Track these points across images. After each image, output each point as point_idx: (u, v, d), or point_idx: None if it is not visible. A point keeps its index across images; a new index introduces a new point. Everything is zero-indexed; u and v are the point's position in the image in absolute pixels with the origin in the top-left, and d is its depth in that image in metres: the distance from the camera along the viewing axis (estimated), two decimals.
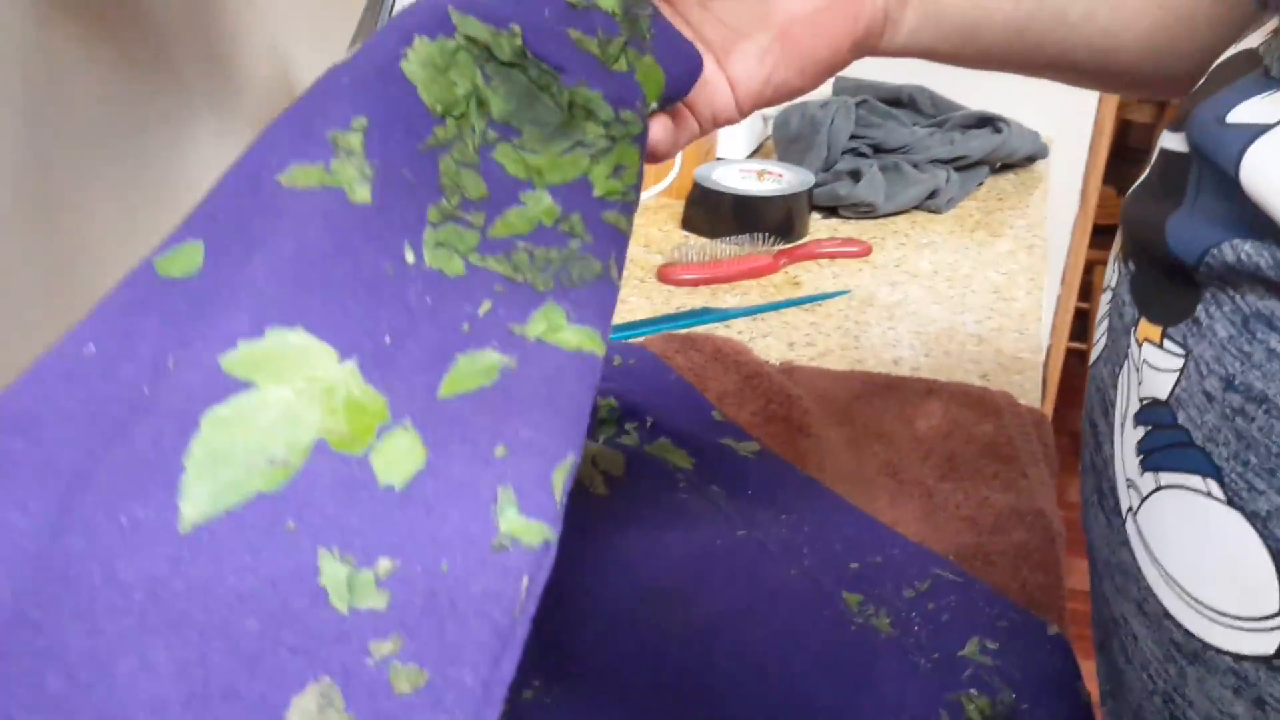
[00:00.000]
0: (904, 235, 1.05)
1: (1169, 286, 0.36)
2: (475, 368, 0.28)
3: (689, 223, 1.05)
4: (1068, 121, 1.44)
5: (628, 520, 0.57)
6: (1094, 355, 0.44)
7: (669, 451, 0.66)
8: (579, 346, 0.29)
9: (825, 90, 1.29)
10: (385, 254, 0.28)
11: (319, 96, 0.30)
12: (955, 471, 0.65)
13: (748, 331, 0.85)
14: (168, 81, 0.78)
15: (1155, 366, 0.36)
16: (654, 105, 0.35)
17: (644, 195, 1.08)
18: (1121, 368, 0.38)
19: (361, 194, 0.28)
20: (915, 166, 1.12)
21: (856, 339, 0.84)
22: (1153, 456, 0.36)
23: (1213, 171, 0.34)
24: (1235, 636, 0.33)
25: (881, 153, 1.14)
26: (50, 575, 0.23)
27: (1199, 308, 0.34)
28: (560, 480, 0.28)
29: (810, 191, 1.04)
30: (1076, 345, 2.35)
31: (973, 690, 0.47)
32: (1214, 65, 0.40)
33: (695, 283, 0.93)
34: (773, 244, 0.99)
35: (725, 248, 0.97)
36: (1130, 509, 0.37)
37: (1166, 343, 0.35)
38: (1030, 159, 1.25)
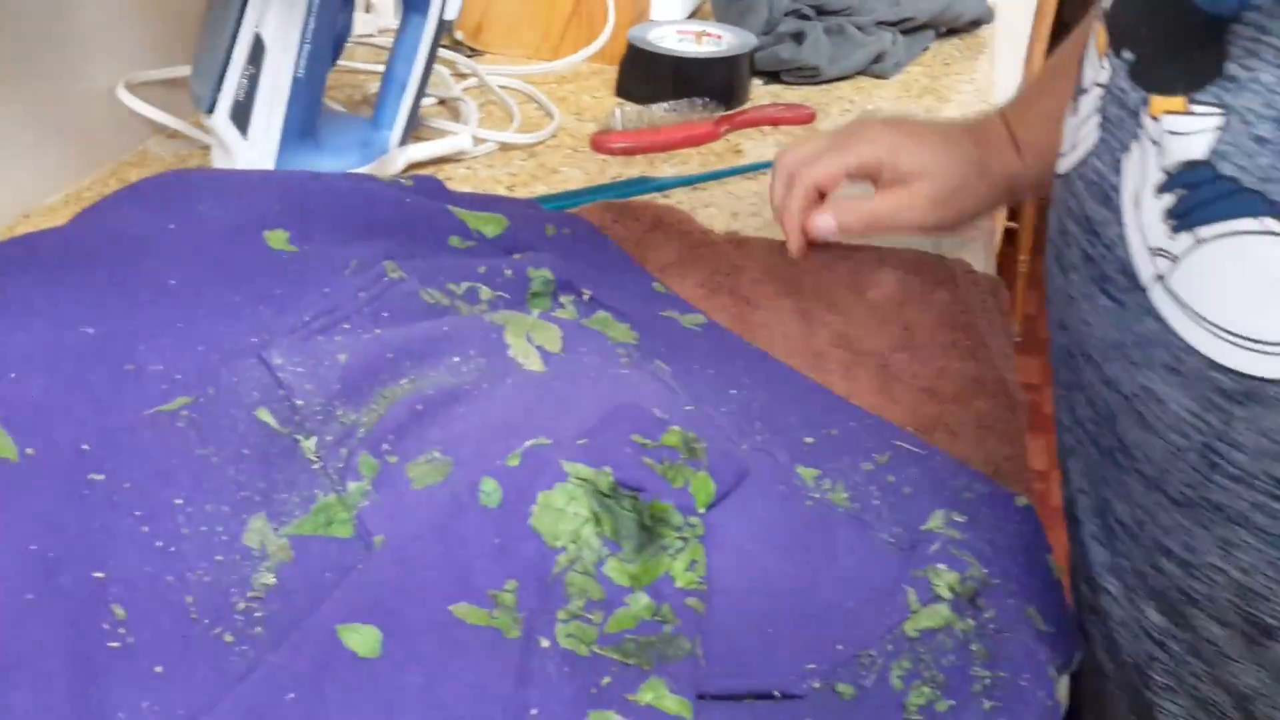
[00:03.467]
0: (849, 101, 1.00)
1: (1186, 56, 0.38)
2: None
3: (623, 88, 0.98)
4: None
5: (567, 400, 0.53)
6: (1074, 160, 0.45)
7: (609, 325, 0.61)
8: (678, 713, 0.39)
9: None
10: (528, 650, 0.40)
11: (472, 552, 0.44)
12: (911, 341, 0.62)
13: (688, 202, 0.80)
14: None
15: (1183, 131, 0.38)
16: (702, 510, 0.46)
17: (573, 59, 1.02)
18: (1127, 151, 0.41)
19: (514, 632, 0.41)
20: (860, 29, 1.06)
21: None
22: (1191, 215, 0.37)
23: None
24: None
25: (825, 14, 1.08)
26: None
27: (1229, 65, 0.36)
28: None
29: (751, 54, 0.98)
30: (1011, 224, 2.34)
31: (940, 565, 0.44)
32: None
33: (630, 151, 0.88)
34: (713, 110, 0.93)
35: (662, 114, 0.92)
36: (1158, 276, 0.39)
37: (1195, 108, 0.37)
38: (976, 23, 1.20)
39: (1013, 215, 2.30)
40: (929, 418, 0.56)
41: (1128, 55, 0.41)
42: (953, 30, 1.18)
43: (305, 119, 0.73)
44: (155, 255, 0.56)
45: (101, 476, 0.45)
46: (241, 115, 0.70)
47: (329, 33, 0.71)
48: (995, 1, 1.22)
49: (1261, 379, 0.36)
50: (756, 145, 0.90)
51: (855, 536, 0.46)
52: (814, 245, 0.69)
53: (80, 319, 0.52)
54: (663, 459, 0.48)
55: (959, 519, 0.47)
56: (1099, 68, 0.44)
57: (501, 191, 0.80)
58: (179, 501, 0.45)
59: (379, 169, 0.77)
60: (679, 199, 0.81)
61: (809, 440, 0.54)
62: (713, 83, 0.94)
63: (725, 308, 0.65)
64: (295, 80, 0.71)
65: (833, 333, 0.64)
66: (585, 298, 0.63)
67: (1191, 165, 0.37)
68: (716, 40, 0.98)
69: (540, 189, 0.81)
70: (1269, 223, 0.35)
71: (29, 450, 0.45)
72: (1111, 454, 0.43)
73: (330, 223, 0.61)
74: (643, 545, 0.44)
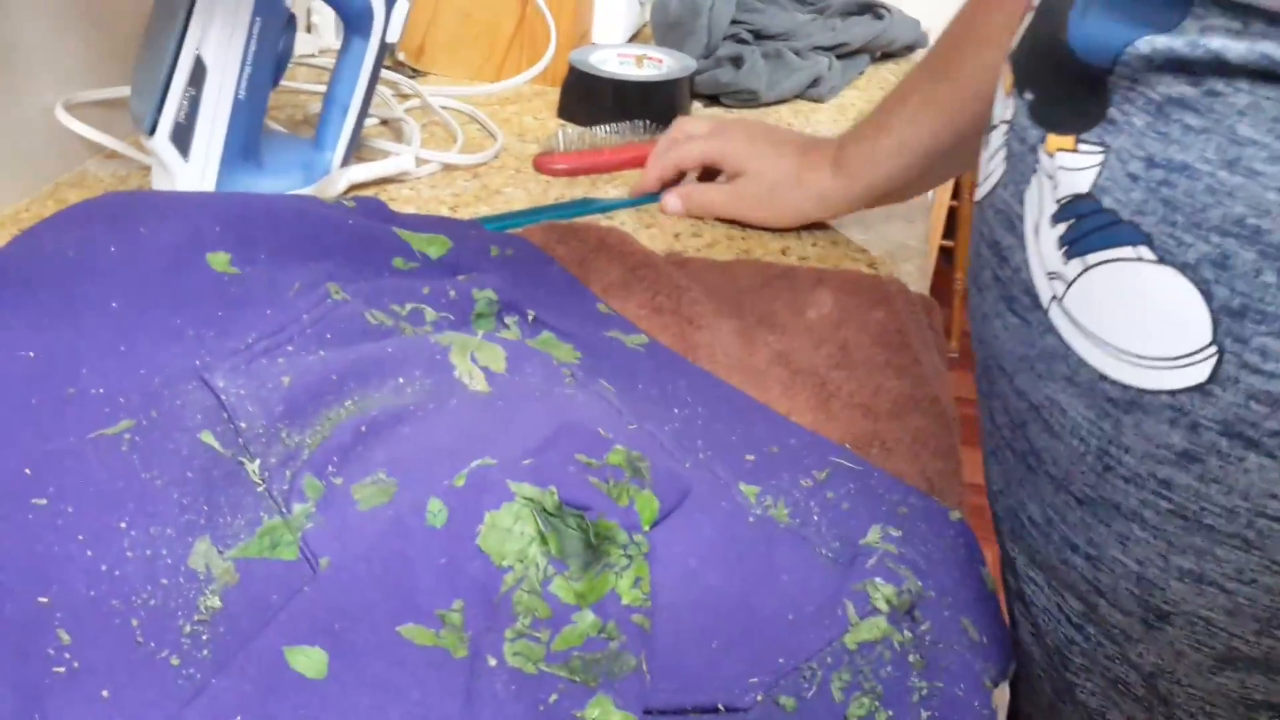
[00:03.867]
0: (786, 124, 1.02)
1: (1076, 99, 0.42)
2: None
3: (565, 110, 1.00)
4: (947, 8, 1.41)
5: (511, 420, 0.54)
6: (986, 189, 0.49)
7: (553, 346, 0.62)
8: None
9: None
10: (476, 669, 0.41)
11: (419, 572, 0.44)
12: (848, 359, 0.64)
13: (630, 223, 0.82)
14: None
15: (1072, 168, 0.42)
16: (647, 528, 0.47)
17: (516, 81, 1.03)
18: (1028, 184, 0.45)
19: (461, 652, 0.42)
20: (797, 54, 1.09)
21: (744, 229, 0.81)
22: (1079, 243, 0.41)
23: None
24: (1170, 375, 0.39)
25: (763, 39, 1.10)
26: None
27: (1111, 110, 0.41)
28: None
29: (691, 78, 1.00)
30: (946, 243, 2.39)
31: (878, 579, 0.45)
32: None
33: (573, 173, 0.89)
34: (654, 132, 0.94)
35: (604, 136, 0.93)
36: (1055, 297, 0.43)
37: (1082, 146, 0.42)
38: (910, 48, 1.23)
39: (949, 234, 2.35)
40: (865, 434, 0.57)
41: (1028, 95, 0.45)
42: (887, 54, 1.21)
43: (247, 140, 0.73)
44: (96, 278, 0.56)
45: (44, 500, 0.45)
46: (182, 137, 0.70)
47: (270, 54, 0.72)
48: (928, 27, 1.25)
49: (1142, 389, 0.40)
50: None
51: (795, 552, 0.47)
52: (756, 267, 0.71)
53: (21, 342, 0.52)
54: (608, 478, 0.48)
55: (895, 533, 0.48)
56: (1005, 105, 0.48)
57: (445, 212, 0.81)
58: (123, 525, 0.45)
59: (321, 190, 0.77)
60: (621, 220, 0.82)
61: (750, 458, 0.55)
62: (654, 106, 0.96)
63: (668, 328, 0.66)
64: (236, 101, 0.71)
65: (772, 352, 0.65)
66: (530, 318, 0.63)
67: (1078, 198, 0.41)
68: (657, 64, 0.99)
69: (483, 209, 0.82)
70: (1142, 250, 0.39)
71: None
72: (1024, 458, 0.46)
73: (273, 244, 0.61)
74: (589, 563, 0.45)
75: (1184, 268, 0.38)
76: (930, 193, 0.90)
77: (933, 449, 0.56)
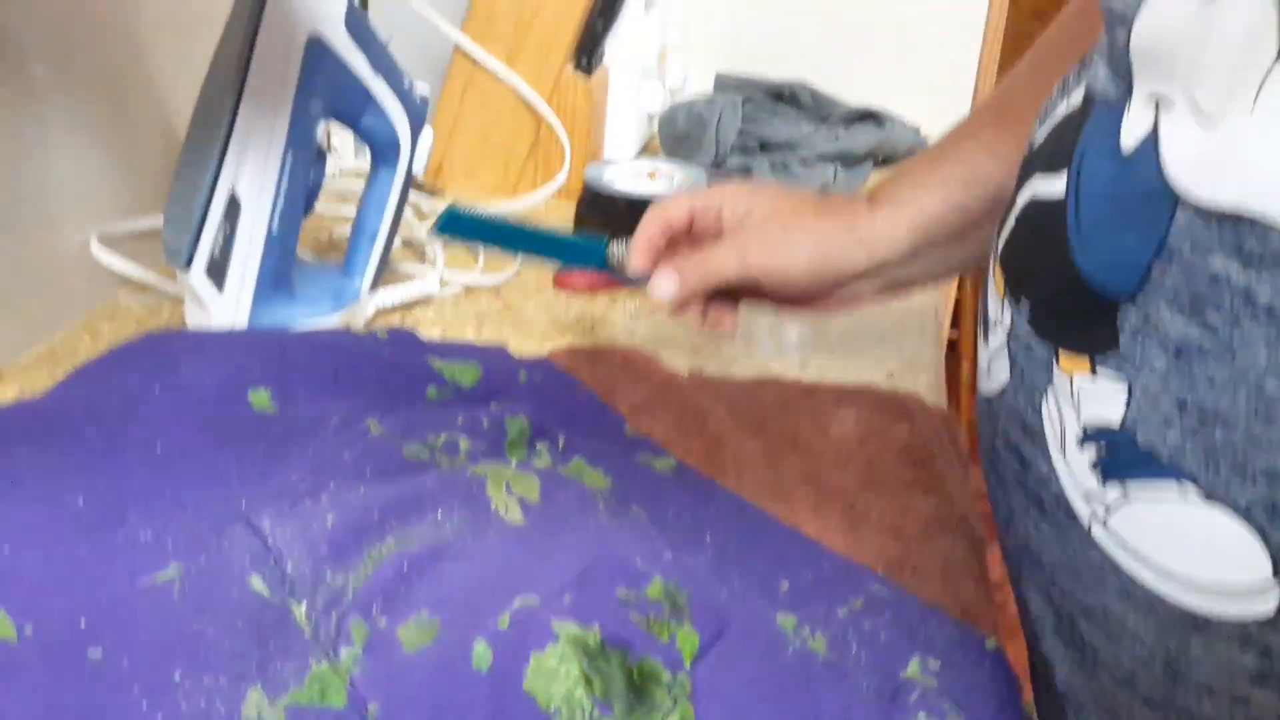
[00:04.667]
0: None
1: (1081, 321, 0.40)
2: None
3: (581, 226, 1.02)
4: (945, 114, 1.46)
5: (549, 552, 0.55)
6: (993, 388, 0.47)
7: (585, 472, 0.63)
8: None
9: (709, 86, 1.28)
10: None
11: (468, 717, 0.45)
12: (875, 479, 0.65)
13: (650, 340, 0.83)
14: (20, 78, 0.72)
15: (1096, 398, 0.40)
16: (688, 665, 0.47)
17: (533, 197, 1.05)
18: (1044, 396, 0.42)
19: None
20: (803, 163, 1.12)
21: (760, 343, 0.83)
22: (1117, 471, 0.39)
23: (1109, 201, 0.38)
24: (1236, 604, 0.37)
25: (768, 149, 1.13)
26: None
27: (1123, 340, 0.38)
28: None
29: None
30: (953, 334, 2.41)
31: (921, 714, 0.46)
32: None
33: (591, 288, 0.91)
34: None
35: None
36: (1096, 517, 0.40)
37: (1101, 374, 0.39)
38: (910, 152, 1.26)
39: (954, 323, 2.37)
40: (896, 558, 0.58)
41: (1025, 302, 0.43)
42: (889, 160, 1.24)
43: (279, 272, 0.75)
44: (142, 421, 0.57)
45: (99, 653, 0.45)
46: (217, 271, 0.72)
47: (302, 187, 0.74)
48: (927, 133, 1.29)
49: (1206, 617, 0.38)
50: None
51: (837, 688, 0.48)
52: (776, 385, 0.72)
53: (70, 489, 0.53)
54: (648, 612, 0.49)
55: (934, 665, 0.49)
56: (999, 307, 0.45)
57: (469, 332, 0.83)
58: (177, 676, 0.45)
59: (350, 316, 0.79)
60: (641, 337, 0.83)
61: (785, 585, 0.55)
62: None
63: (695, 449, 0.67)
64: (269, 235, 0.73)
65: (800, 472, 0.66)
66: (560, 445, 0.65)
67: (1109, 429, 0.39)
68: (669, 179, 1.02)
69: (507, 329, 0.83)
70: (1189, 488, 0.37)
71: (27, 629, 0.45)
72: (1078, 649, 0.44)
73: (311, 380, 0.62)
74: (632, 706, 0.46)
75: (1236, 510, 0.36)
76: (937, 310, 0.91)
77: (964, 573, 0.56)
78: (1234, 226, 0.35)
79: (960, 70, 0.66)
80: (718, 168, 1.09)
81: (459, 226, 0.71)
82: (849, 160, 1.16)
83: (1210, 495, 0.37)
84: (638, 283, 0.68)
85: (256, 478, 0.56)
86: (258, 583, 0.50)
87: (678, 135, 1.13)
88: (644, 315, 0.87)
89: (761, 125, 1.14)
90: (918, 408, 0.72)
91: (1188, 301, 0.37)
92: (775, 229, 0.64)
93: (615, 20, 1.03)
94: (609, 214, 1.00)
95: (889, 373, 0.79)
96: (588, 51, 1.02)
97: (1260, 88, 0.34)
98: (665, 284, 0.65)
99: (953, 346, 2.45)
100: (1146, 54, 0.39)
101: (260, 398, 0.60)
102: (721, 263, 0.64)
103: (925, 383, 0.77)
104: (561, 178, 1.04)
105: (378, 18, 1.09)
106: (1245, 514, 0.36)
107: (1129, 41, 0.39)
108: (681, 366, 0.78)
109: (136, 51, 0.84)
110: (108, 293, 0.83)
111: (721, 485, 0.64)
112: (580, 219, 1.03)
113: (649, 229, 0.68)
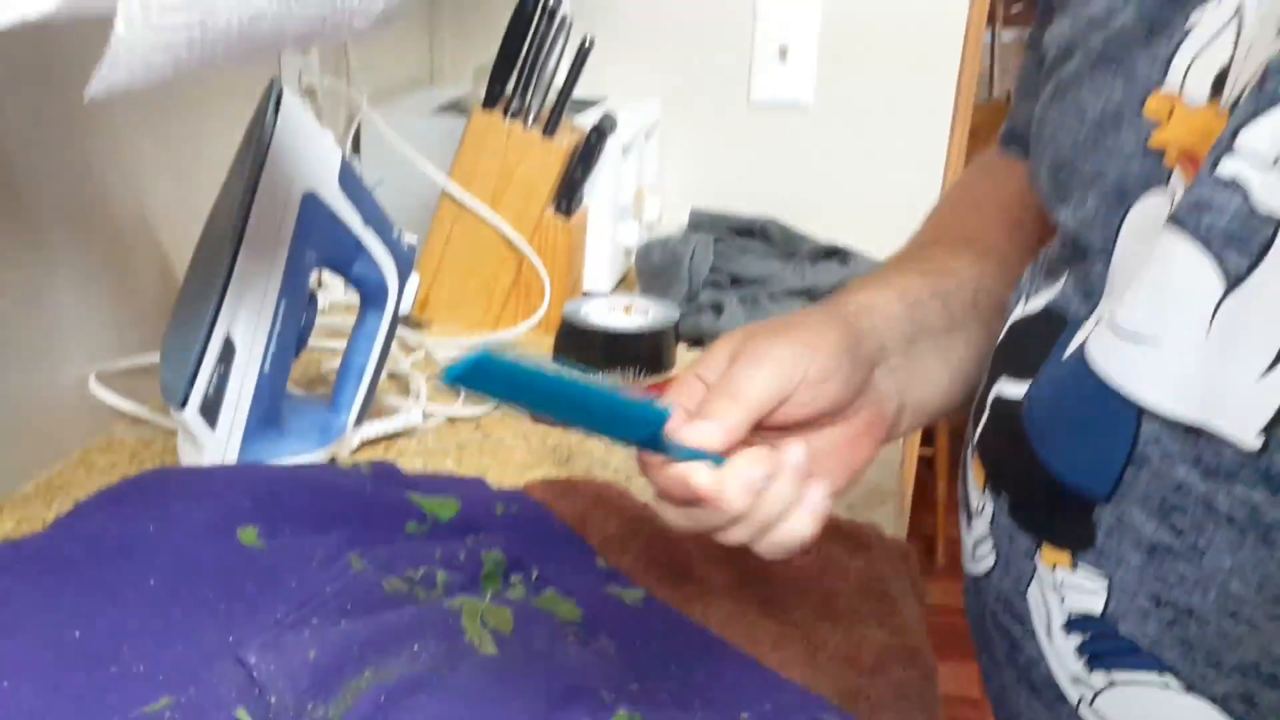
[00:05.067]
0: None
1: (1059, 513, 0.44)
2: None
3: (560, 359, 1.07)
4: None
5: (520, 684, 0.57)
6: (979, 571, 0.51)
7: (557, 604, 0.66)
8: None
9: (684, 222, 1.34)
10: None
11: None
12: (832, 611, 0.68)
13: (623, 470, 0.87)
14: (24, 222, 0.77)
15: (1079, 589, 0.44)
16: None
17: (514, 330, 1.10)
18: (1028, 584, 0.47)
19: None
20: (772, 298, 1.17)
21: None
22: (1101, 660, 0.43)
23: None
24: None
25: (739, 284, 1.19)
26: None
27: (1099, 538, 0.43)
28: None
29: (676, 326, 1.08)
30: (926, 451, 2.46)
31: None
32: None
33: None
34: (643, 378, 1.01)
35: (598, 380, 0.99)
36: (1083, 699, 0.44)
37: (1081, 567, 0.43)
38: None
39: (927, 440, 2.42)
40: (852, 689, 0.61)
41: (1005, 495, 0.48)
42: None
43: (269, 410, 0.79)
44: (135, 557, 0.60)
45: None
46: (211, 410, 0.76)
47: (294, 331, 0.78)
48: None
49: None
50: None
51: None
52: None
53: (66, 623, 0.56)
54: None
55: None
56: (981, 498, 0.50)
57: (450, 464, 0.86)
58: None
59: (337, 449, 0.83)
60: (615, 467, 0.87)
61: (745, 716, 0.58)
62: (641, 353, 1.03)
63: (663, 580, 0.70)
64: (261, 376, 0.77)
65: (762, 603, 0.69)
66: (534, 577, 0.68)
67: (1089, 618, 0.43)
68: (644, 314, 1.07)
69: (486, 460, 0.87)
70: (1169, 678, 0.41)
71: None
72: None
73: (297, 516, 0.66)
74: None
75: (1214, 701, 0.40)
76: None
77: (916, 703, 0.59)
78: (1194, 439, 0.40)
79: (921, 210, 0.71)
80: (690, 302, 1.14)
81: (484, 380, 0.42)
82: (815, 295, 1.22)
83: (1190, 686, 0.40)
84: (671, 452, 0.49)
85: (244, 611, 0.59)
86: (244, 715, 0.53)
87: (653, 270, 1.19)
88: (619, 448, 0.91)
89: (732, 261, 1.20)
90: (875, 539, 0.76)
91: (1157, 506, 0.41)
92: (779, 338, 0.52)
93: (594, 166, 1.10)
94: (586, 347, 1.04)
95: (850, 504, 0.83)
96: (567, 195, 1.08)
97: (1213, 317, 0.39)
98: (704, 430, 0.49)
99: (930, 464, 2.49)
100: (1113, 282, 0.44)
101: (248, 534, 0.64)
102: (746, 383, 0.50)
103: (884, 513, 0.81)
104: (541, 312, 1.09)
105: (371, 163, 1.16)
106: (1223, 704, 0.39)
107: (1106, 273, 0.45)
108: (651, 497, 0.81)
109: (137, 199, 0.89)
110: (103, 426, 0.86)
111: (688, 616, 0.67)
112: (559, 352, 1.07)
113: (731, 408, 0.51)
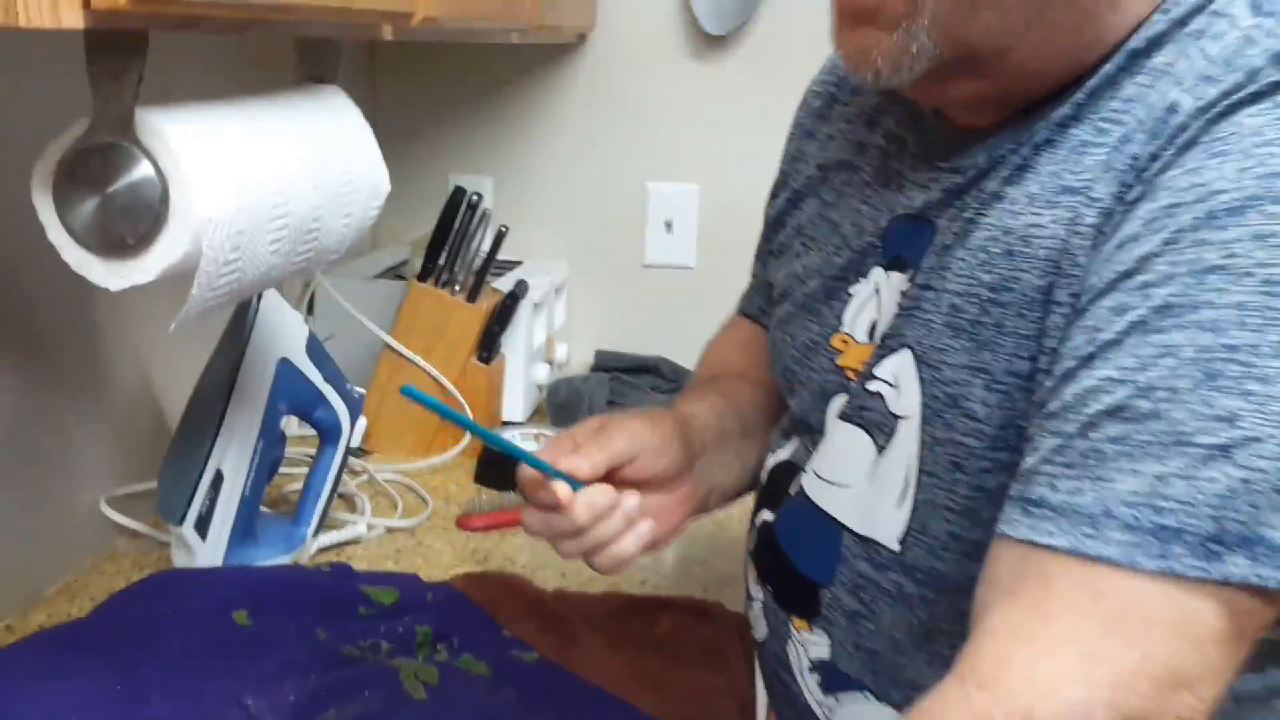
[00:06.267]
0: None
1: (800, 596, 0.69)
2: None
3: (481, 479, 1.29)
4: None
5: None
6: (760, 637, 0.76)
7: (472, 664, 0.89)
8: None
9: (590, 362, 1.60)
10: None
11: None
12: (682, 663, 0.91)
13: (529, 566, 1.10)
14: (51, 377, 0.99)
15: (814, 643, 0.68)
16: None
17: (444, 456, 1.33)
18: (788, 643, 0.71)
19: None
20: None
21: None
22: (832, 688, 0.68)
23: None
24: None
25: None
26: None
27: (823, 609, 0.67)
28: None
29: None
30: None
31: None
32: None
33: (487, 528, 1.18)
34: None
35: (513, 498, 1.23)
36: (827, 716, 0.69)
37: (815, 629, 0.69)
38: None
39: None
40: (690, 716, 0.84)
41: (770, 586, 0.72)
42: None
43: (247, 525, 1.01)
44: (158, 632, 0.82)
45: None
46: (203, 526, 0.98)
47: (269, 463, 1.01)
48: None
49: None
50: None
51: None
52: (619, 597, 0.98)
53: (110, 679, 0.77)
54: None
55: None
56: (756, 588, 0.74)
57: (390, 564, 1.08)
58: None
59: (299, 555, 1.05)
60: (522, 563, 1.10)
61: None
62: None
63: (553, 646, 0.93)
64: (243, 499, 0.99)
65: (630, 660, 0.92)
66: (455, 645, 0.90)
67: (823, 663, 0.67)
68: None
69: (419, 561, 1.10)
70: (870, 695, 0.65)
71: None
72: None
73: (276, 603, 0.88)
74: None
75: (895, 706, 0.63)
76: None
77: None
78: (868, 545, 0.65)
79: None
80: None
81: (423, 400, 0.73)
82: None
83: (880, 698, 0.64)
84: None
85: (241, 669, 0.80)
86: None
87: (559, 405, 1.43)
88: (526, 549, 1.14)
89: (626, 396, 1.45)
90: (719, 613, 0.99)
91: (853, 587, 0.65)
92: (634, 418, 0.76)
93: (510, 322, 1.35)
94: (504, 469, 1.28)
95: (704, 587, 1.06)
96: (487, 347, 1.33)
97: (871, 471, 0.65)
98: (576, 460, 0.71)
99: None
100: (820, 446, 0.70)
101: (241, 616, 0.86)
102: (609, 439, 0.73)
103: (728, 594, 1.05)
104: (465, 442, 1.33)
105: (324, 321, 1.40)
106: (899, 708, 0.61)
107: (817, 440, 0.70)
108: (551, 585, 1.05)
109: (136, 358, 1.12)
110: (108, 540, 1.08)
111: (573, 671, 0.90)
112: (480, 473, 1.30)
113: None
